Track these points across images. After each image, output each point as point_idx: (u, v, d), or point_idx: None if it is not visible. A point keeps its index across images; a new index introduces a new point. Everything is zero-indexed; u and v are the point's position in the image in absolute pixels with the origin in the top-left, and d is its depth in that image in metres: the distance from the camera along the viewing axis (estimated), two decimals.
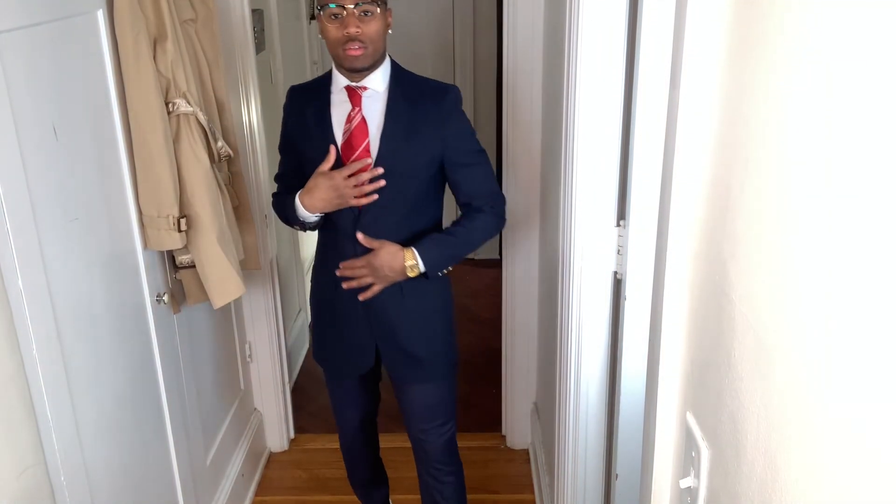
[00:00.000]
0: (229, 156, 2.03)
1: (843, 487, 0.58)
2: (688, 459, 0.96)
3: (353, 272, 1.80)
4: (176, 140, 1.80)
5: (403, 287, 1.83)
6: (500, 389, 2.85)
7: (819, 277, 0.61)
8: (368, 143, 1.74)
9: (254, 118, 2.48)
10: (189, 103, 1.80)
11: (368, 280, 1.79)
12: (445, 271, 1.86)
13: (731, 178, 0.79)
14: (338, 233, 1.83)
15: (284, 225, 1.97)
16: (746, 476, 0.77)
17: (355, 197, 1.71)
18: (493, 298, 3.15)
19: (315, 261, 1.98)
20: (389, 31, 1.71)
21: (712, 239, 0.86)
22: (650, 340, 1.08)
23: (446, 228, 1.83)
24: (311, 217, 1.79)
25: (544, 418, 2.48)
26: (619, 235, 1.66)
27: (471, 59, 4.32)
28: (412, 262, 1.75)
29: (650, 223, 1.34)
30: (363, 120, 1.74)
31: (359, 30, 1.61)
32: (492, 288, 3.57)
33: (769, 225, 0.70)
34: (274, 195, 1.97)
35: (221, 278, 1.91)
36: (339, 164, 1.76)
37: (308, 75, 3.84)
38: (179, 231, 1.79)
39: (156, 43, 1.73)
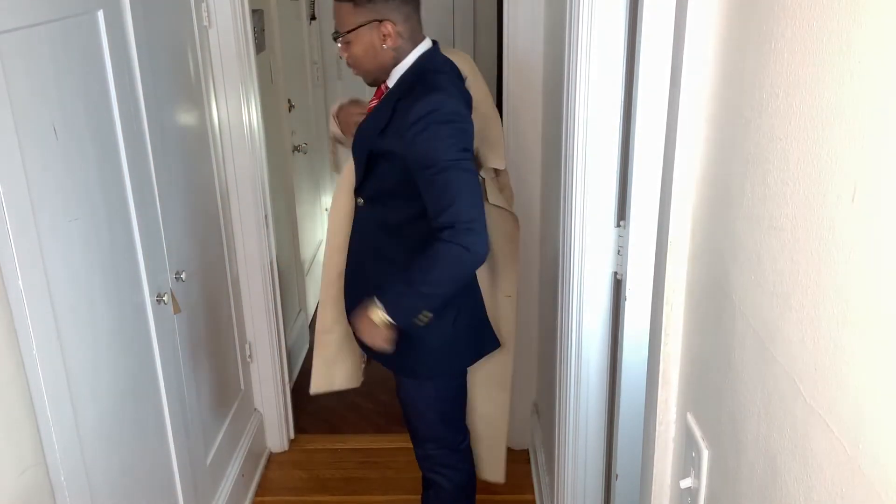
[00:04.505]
0: None
1: (843, 487, 0.58)
2: (688, 459, 0.96)
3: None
4: None
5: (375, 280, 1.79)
6: None
7: (819, 277, 0.61)
8: None
9: (254, 118, 2.48)
10: None
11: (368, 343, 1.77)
12: (424, 317, 1.70)
13: (731, 178, 0.79)
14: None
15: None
16: (746, 476, 0.77)
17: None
18: None
19: None
20: (385, 43, 1.71)
21: (712, 239, 0.86)
22: (650, 340, 1.08)
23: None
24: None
25: (544, 418, 2.48)
26: (619, 235, 1.66)
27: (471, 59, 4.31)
28: (380, 313, 1.67)
29: (650, 223, 1.34)
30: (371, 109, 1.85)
31: (344, 54, 1.76)
32: None
33: (769, 225, 0.70)
34: None
35: None
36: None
37: (308, 75, 3.83)
38: None
39: None
